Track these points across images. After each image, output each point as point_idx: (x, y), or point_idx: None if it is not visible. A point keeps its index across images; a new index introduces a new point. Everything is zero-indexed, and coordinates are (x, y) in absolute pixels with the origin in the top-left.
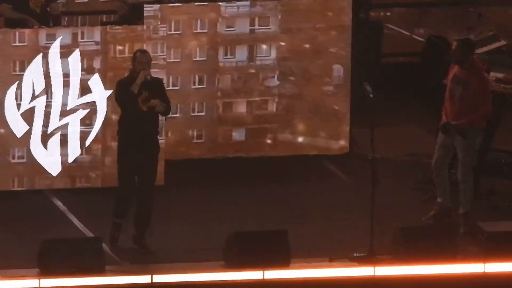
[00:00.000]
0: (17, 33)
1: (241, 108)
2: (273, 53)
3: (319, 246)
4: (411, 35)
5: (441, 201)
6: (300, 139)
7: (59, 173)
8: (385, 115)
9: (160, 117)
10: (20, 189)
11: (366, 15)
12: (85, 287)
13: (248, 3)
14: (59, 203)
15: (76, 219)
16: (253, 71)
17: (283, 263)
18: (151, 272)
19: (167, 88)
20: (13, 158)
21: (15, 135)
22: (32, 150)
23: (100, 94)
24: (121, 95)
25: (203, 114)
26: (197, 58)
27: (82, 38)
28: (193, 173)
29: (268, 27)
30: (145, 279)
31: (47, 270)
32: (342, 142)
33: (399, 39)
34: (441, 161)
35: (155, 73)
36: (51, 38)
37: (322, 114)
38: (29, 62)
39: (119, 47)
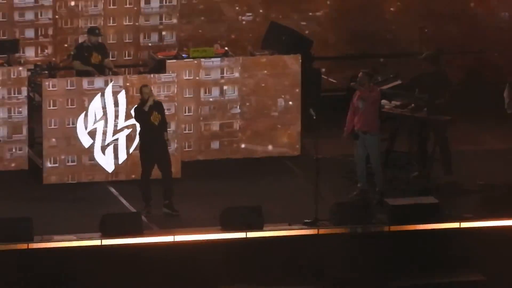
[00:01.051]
0: (85, 80)
1: (215, 127)
2: (236, 92)
3: (281, 215)
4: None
5: (360, 185)
6: (267, 146)
7: (113, 170)
8: (325, 129)
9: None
10: (87, 180)
11: (310, 64)
12: (130, 244)
13: (219, 58)
14: (113, 190)
15: (124, 200)
16: (223, 103)
17: (258, 227)
18: (173, 234)
19: (169, 113)
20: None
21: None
22: (95, 156)
23: None
24: (138, 114)
25: (191, 131)
26: (187, 95)
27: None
28: (191, 170)
29: (232, 74)
30: (169, 238)
31: (106, 234)
32: (296, 147)
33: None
34: (359, 156)
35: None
36: (107, 83)
37: (281, 130)
38: (92, 99)
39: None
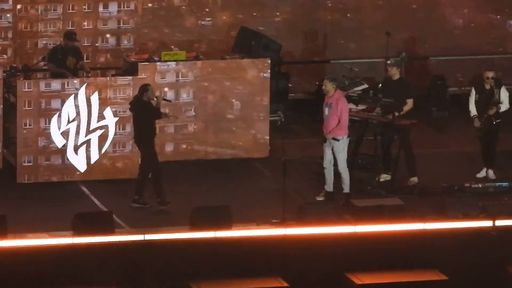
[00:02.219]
0: (66, 82)
1: (171, 129)
2: (191, 94)
3: (251, 215)
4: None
5: (327, 187)
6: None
7: (85, 170)
8: (292, 132)
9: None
10: (60, 180)
11: (279, 68)
12: (102, 242)
13: (174, 62)
14: (85, 189)
15: (96, 199)
16: (178, 106)
17: (227, 226)
18: (144, 232)
19: (124, 115)
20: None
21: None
22: (68, 156)
23: (110, 120)
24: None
25: None
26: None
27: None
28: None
29: (187, 77)
30: (139, 237)
31: (78, 232)
32: (264, 149)
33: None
34: (328, 160)
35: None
36: (81, 85)
37: (252, 134)
38: (65, 100)
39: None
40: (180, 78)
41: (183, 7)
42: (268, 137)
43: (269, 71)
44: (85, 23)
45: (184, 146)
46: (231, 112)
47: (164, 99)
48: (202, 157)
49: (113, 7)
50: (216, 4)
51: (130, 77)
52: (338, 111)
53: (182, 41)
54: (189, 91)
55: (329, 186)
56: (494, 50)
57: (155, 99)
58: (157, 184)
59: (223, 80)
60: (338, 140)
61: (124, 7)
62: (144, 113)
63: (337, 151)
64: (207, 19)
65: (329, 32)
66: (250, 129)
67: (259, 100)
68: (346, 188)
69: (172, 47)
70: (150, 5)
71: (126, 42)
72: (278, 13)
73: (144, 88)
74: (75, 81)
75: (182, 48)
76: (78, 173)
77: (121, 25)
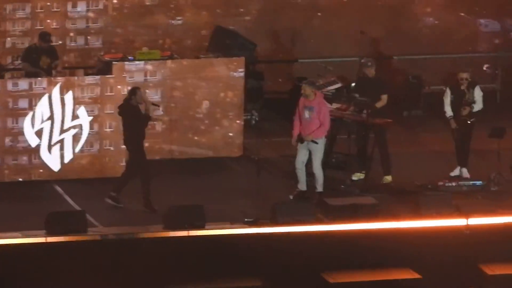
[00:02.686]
0: (34, 81)
1: None
2: (159, 94)
3: (224, 214)
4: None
5: (300, 186)
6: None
7: (59, 169)
8: (266, 131)
9: None
10: (34, 179)
11: (253, 67)
12: (74, 241)
13: (143, 62)
14: (58, 188)
15: (69, 198)
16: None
17: (201, 225)
18: (117, 231)
19: (92, 114)
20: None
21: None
22: (41, 155)
23: (84, 119)
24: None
25: (113, 129)
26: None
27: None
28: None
29: (155, 77)
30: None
31: (51, 231)
32: (239, 149)
33: (277, 84)
34: (300, 160)
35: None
36: (54, 84)
37: (226, 133)
38: (33, 100)
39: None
40: (148, 77)
41: (153, 6)
42: (242, 136)
43: (243, 70)
44: (54, 23)
45: (151, 145)
46: (201, 111)
47: (153, 104)
48: (170, 157)
49: (81, 7)
50: (186, 3)
51: (98, 76)
52: (322, 115)
53: (153, 40)
54: (157, 91)
55: (302, 185)
56: (465, 49)
57: (144, 103)
58: (145, 186)
59: (194, 80)
60: (317, 143)
61: (92, 7)
62: (132, 117)
63: (315, 152)
64: (178, 18)
65: (302, 31)
66: (223, 128)
67: (232, 99)
68: (320, 187)
69: (144, 48)
70: (120, 4)
71: (94, 41)
72: (249, 12)
73: (132, 92)
74: (43, 81)
75: (152, 48)
76: (47, 172)
77: (90, 24)
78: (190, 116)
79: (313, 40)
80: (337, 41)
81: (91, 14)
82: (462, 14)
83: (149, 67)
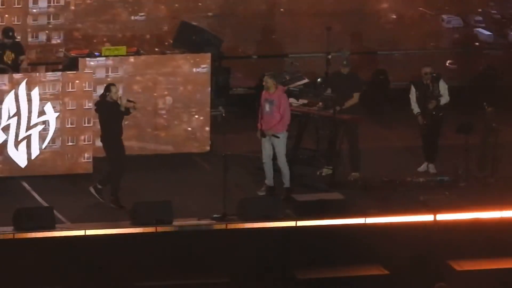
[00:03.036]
0: None
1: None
2: (121, 90)
3: (192, 210)
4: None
5: (267, 182)
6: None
7: (25, 165)
8: (233, 126)
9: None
10: (1, 175)
11: (220, 63)
12: (43, 237)
13: (104, 58)
14: (25, 184)
15: (36, 194)
16: None
17: (168, 221)
18: (85, 228)
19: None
20: None
21: None
22: (8, 151)
23: (51, 115)
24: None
25: (74, 126)
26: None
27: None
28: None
29: (117, 73)
30: (80, 232)
31: (19, 228)
32: (205, 144)
33: (242, 79)
34: (267, 154)
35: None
36: (21, 80)
37: (193, 129)
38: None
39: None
40: (109, 73)
41: (115, 2)
42: (208, 132)
43: (206, 66)
44: (15, 19)
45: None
46: (165, 107)
47: (129, 100)
48: (132, 153)
49: (43, 3)
50: None
51: (59, 73)
52: (282, 108)
53: (114, 36)
54: (119, 87)
55: (270, 181)
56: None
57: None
58: (115, 182)
59: (158, 75)
60: (278, 137)
61: (54, 3)
62: (108, 114)
63: (277, 146)
64: (140, 14)
65: (268, 26)
66: (189, 124)
67: (199, 95)
68: (287, 183)
69: (106, 44)
70: (82, 0)
71: (56, 37)
72: (209, 8)
73: (107, 89)
74: (5, 77)
75: (115, 44)
76: (14, 168)
77: (51, 20)
78: (152, 112)
79: (278, 36)
80: (303, 37)
81: (52, 10)
82: (421, 8)
83: (110, 62)
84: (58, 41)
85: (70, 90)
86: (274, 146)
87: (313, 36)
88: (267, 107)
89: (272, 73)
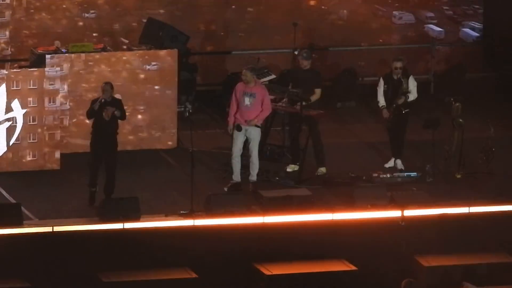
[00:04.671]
0: None
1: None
2: (66, 87)
3: (159, 206)
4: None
5: (234, 177)
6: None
7: None
8: (200, 123)
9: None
10: None
11: (186, 59)
12: (10, 234)
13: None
14: None
15: (4, 191)
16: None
17: (136, 218)
18: (53, 224)
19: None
20: None
21: None
22: None
23: (18, 112)
24: (89, 110)
25: (36, 123)
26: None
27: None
28: (70, 161)
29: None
30: (48, 228)
31: None
32: (172, 141)
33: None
34: (238, 149)
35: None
36: None
37: (160, 125)
38: None
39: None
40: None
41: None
42: (175, 128)
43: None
44: None
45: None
46: (131, 103)
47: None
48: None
49: None
50: None
51: (20, 69)
52: (265, 102)
53: (66, 33)
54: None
55: (237, 176)
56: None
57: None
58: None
59: (122, 72)
60: (256, 128)
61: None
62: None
63: (253, 138)
64: (91, 11)
65: (232, 22)
66: (158, 121)
67: (166, 91)
68: (254, 176)
69: (56, 41)
70: None
71: (2, 35)
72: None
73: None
74: None
75: (65, 42)
76: None
77: None
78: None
79: (244, 31)
80: (269, 33)
81: None
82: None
83: (55, 60)
84: (4, 38)
85: (33, 87)
86: (250, 139)
87: (281, 32)
88: (246, 101)
89: (251, 67)
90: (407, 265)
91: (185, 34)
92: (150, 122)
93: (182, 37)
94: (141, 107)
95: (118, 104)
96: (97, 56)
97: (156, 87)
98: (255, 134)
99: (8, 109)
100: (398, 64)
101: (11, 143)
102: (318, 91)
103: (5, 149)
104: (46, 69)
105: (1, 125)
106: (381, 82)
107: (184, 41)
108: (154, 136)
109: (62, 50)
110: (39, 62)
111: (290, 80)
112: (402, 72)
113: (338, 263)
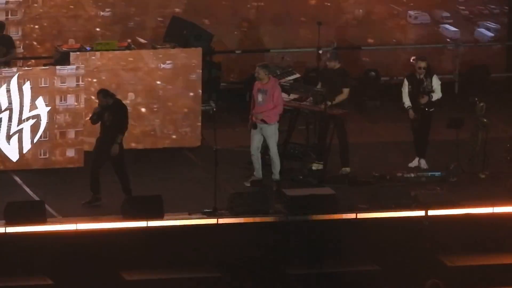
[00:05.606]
0: None
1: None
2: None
3: (182, 204)
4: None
5: (255, 174)
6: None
7: (17, 159)
8: (224, 121)
9: None
10: None
11: (210, 58)
12: (34, 232)
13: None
14: (17, 178)
15: (28, 188)
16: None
17: (159, 216)
18: (76, 222)
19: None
20: None
21: None
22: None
23: (42, 109)
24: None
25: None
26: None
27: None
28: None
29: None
30: (71, 226)
31: (10, 221)
32: (196, 139)
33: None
34: (255, 146)
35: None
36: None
37: (184, 123)
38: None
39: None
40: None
41: None
42: (200, 127)
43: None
44: None
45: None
46: (156, 102)
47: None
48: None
49: None
50: None
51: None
52: (275, 98)
53: (80, 31)
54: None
55: (258, 172)
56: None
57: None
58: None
59: (149, 70)
60: (269, 126)
61: None
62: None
63: (268, 136)
64: (107, 9)
65: (258, 21)
66: (182, 119)
67: (190, 90)
68: (277, 175)
69: (70, 40)
70: None
71: (14, 33)
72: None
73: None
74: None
75: (80, 40)
76: (9, 162)
77: (9, 16)
78: (146, 107)
79: (272, 30)
80: (294, 31)
81: (10, 6)
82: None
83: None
84: (17, 37)
85: (61, 84)
86: (266, 137)
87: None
88: (260, 97)
89: (263, 64)
90: (431, 265)
91: (209, 33)
92: (174, 120)
93: (206, 35)
94: (165, 106)
95: (115, 110)
96: (121, 53)
97: (180, 85)
98: (270, 132)
99: (33, 106)
100: (422, 64)
101: (35, 140)
102: (346, 91)
103: (29, 146)
104: (71, 66)
105: (26, 122)
106: (405, 82)
107: (208, 40)
108: (178, 135)
109: (87, 48)
110: (64, 59)
111: (318, 79)
112: (426, 71)
113: (362, 263)
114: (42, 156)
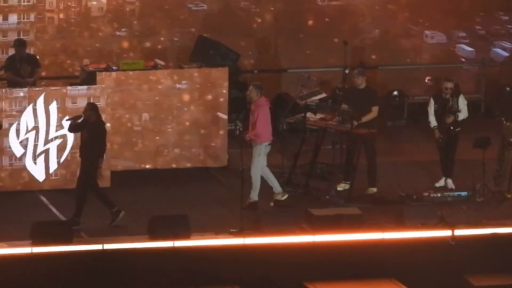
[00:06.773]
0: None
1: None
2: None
3: (209, 224)
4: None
5: (275, 191)
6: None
7: (43, 179)
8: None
9: None
10: (19, 189)
11: (237, 77)
12: (60, 252)
13: (85, 87)
14: (43, 198)
15: (54, 208)
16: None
17: (186, 236)
18: (103, 242)
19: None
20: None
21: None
22: (26, 165)
23: None
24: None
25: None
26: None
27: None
28: (120, 179)
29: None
30: (98, 246)
31: (37, 241)
32: (223, 159)
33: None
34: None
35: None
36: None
37: (211, 143)
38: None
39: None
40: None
41: (98, 17)
42: (226, 146)
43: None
44: None
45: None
46: (183, 122)
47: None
48: (154, 167)
49: (12, 19)
50: (133, 15)
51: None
52: (255, 118)
53: (95, 51)
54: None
55: (277, 189)
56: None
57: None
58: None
59: (173, 89)
60: (255, 146)
61: (24, 19)
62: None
63: (252, 155)
64: (123, 29)
65: (282, 40)
66: (208, 139)
67: (217, 109)
68: (254, 195)
69: (85, 60)
70: (66, 16)
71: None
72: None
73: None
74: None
75: (95, 59)
76: (36, 182)
77: (22, 36)
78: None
79: (297, 49)
80: (319, 52)
81: (22, 26)
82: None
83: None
84: None
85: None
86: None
87: (332, 51)
88: (251, 117)
89: (257, 84)
90: (457, 285)
91: (235, 52)
92: (200, 140)
93: (233, 55)
94: (193, 125)
95: (94, 130)
96: (146, 74)
97: (207, 105)
98: (254, 151)
99: (59, 126)
100: (449, 85)
101: (61, 160)
102: (375, 109)
103: (56, 166)
104: (96, 86)
105: (52, 142)
106: (431, 102)
107: (235, 59)
108: (205, 154)
109: (113, 67)
110: (90, 79)
111: (345, 98)
112: (452, 91)
113: (388, 283)
114: (68, 176)
